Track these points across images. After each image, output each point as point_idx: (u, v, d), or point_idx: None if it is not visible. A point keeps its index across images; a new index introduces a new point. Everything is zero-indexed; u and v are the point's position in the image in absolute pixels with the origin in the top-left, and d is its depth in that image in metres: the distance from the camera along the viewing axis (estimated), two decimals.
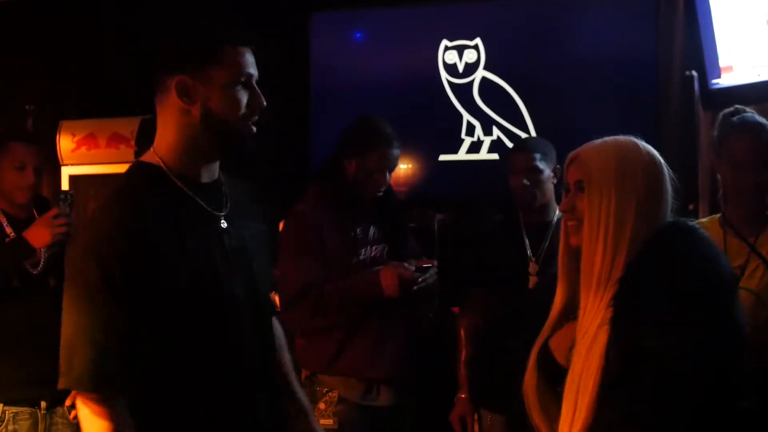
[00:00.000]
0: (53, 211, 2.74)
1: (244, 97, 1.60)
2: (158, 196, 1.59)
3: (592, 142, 1.68)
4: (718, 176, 2.16)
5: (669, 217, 1.62)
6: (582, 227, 1.62)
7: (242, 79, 1.59)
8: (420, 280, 2.66)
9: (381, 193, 2.78)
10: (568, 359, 1.59)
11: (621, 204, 1.57)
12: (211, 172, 1.68)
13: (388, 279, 2.62)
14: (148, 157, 1.65)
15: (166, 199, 1.59)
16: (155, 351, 1.53)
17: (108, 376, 1.50)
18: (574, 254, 1.66)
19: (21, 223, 2.80)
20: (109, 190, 1.66)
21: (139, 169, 1.66)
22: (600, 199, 1.59)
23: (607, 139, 1.67)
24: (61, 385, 1.54)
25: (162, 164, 1.62)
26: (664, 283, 1.51)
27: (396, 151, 2.75)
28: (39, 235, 2.70)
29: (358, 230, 2.77)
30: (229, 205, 1.69)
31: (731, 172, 2.04)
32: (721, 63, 3.00)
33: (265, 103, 1.63)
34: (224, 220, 1.66)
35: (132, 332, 1.50)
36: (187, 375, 1.57)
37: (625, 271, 1.55)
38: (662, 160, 1.64)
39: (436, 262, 2.76)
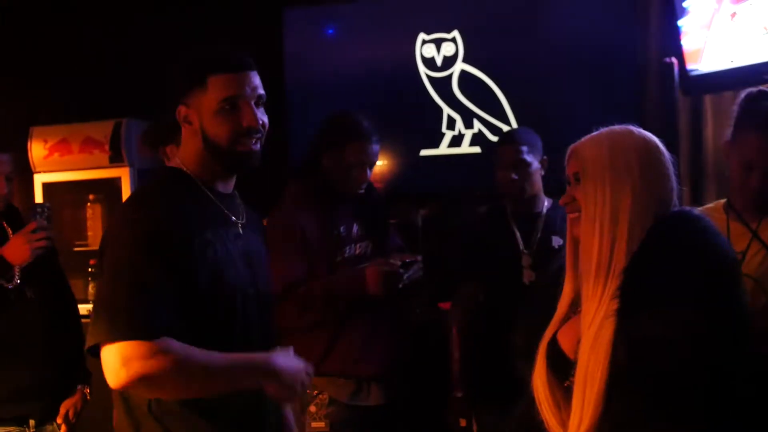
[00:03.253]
0: (31, 226, 2.65)
1: (232, 120, 1.71)
2: (189, 195, 1.74)
3: (590, 134, 1.68)
4: (726, 160, 2.11)
5: (674, 203, 1.61)
6: (581, 218, 1.61)
7: (227, 104, 1.70)
8: (405, 276, 2.63)
9: (362, 190, 2.74)
10: (577, 352, 1.57)
11: (615, 191, 1.57)
12: (227, 185, 1.84)
13: (373, 276, 2.58)
14: (176, 164, 1.81)
15: (196, 199, 1.74)
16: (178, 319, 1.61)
17: (153, 320, 1.56)
18: (578, 246, 1.65)
19: None
20: (138, 190, 1.86)
21: (170, 172, 1.81)
22: (594, 187, 1.59)
23: (602, 129, 1.67)
24: (95, 340, 1.58)
25: (188, 170, 1.77)
26: (667, 273, 1.50)
27: (375, 146, 2.72)
28: (18, 252, 2.62)
29: (342, 228, 2.73)
30: (244, 216, 1.85)
31: (739, 167, 2.01)
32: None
33: (260, 121, 1.73)
34: (241, 227, 1.82)
35: (168, 296, 1.59)
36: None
37: (628, 261, 1.54)
38: (661, 145, 1.63)
39: (420, 257, 2.72)
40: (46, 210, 2.71)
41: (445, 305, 3.18)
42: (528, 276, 2.75)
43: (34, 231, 2.63)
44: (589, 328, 1.54)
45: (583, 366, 1.53)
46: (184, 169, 1.78)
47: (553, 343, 1.67)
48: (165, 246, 1.61)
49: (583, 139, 1.68)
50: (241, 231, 1.82)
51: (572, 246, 1.69)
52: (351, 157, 2.67)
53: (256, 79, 1.75)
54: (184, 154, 1.81)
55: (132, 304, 1.56)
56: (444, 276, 3.02)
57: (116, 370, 1.54)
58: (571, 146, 1.69)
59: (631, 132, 1.64)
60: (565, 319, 1.69)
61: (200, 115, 1.72)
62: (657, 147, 1.63)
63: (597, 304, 1.54)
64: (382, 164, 3.80)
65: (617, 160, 1.59)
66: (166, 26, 4.13)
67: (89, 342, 1.60)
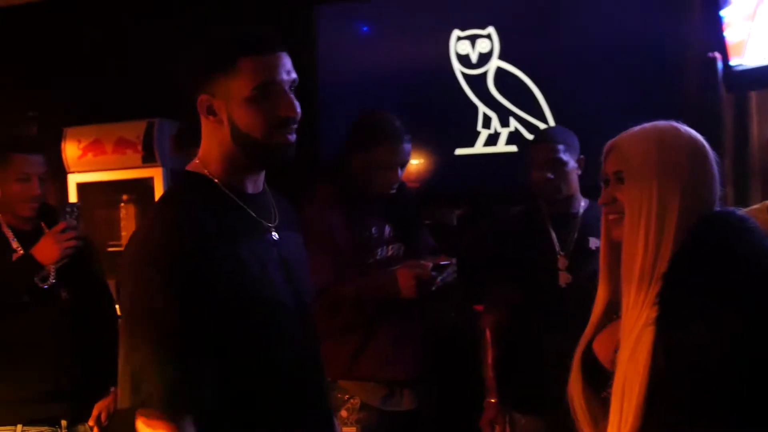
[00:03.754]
0: (61, 225, 2.67)
1: (268, 108, 1.51)
2: (211, 205, 1.55)
3: (630, 129, 1.59)
4: None
5: (717, 205, 1.53)
6: (623, 220, 1.53)
7: (263, 89, 1.51)
8: (438, 278, 2.57)
9: (393, 190, 2.68)
10: (614, 362, 1.50)
11: (664, 193, 1.48)
12: (257, 183, 1.64)
13: (405, 279, 2.53)
14: (195, 167, 1.61)
15: (218, 208, 1.55)
16: (212, 362, 1.46)
17: (178, 394, 1.42)
18: (616, 249, 1.57)
19: (28, 236, 2.74)
20: (158, 200, 1.64)
21: (188, 178, 1.62)
22: (641, 189, 1.50)
23: (646, 125, 1.58)
24: (125, 404, 1.46)
25: (209, 174, 1.58)
26: (709, 277, 1.42)
27: (405, 146, 2.66)
28: (47, 251, 2.64)
29: (373, 229, 2.69)
30: (277, 216, 1.66)
31: None
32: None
33: (297, 110, 1.54)
34: (275, 231, 1.63)
35: (197, 345, 1.44)
36: (240, 384, 1.51)
37: (669, 265, 1.46)
38: (707, 144, 1.55)
39: (454, 260, 2.66)
40: (75, 209, 2.73)
41: (480, 307, 3.11)
42: (564, 278, 2.67)
43: (63, 231, 2.65)
44: (628, 337, 1.47)
45: (621, 377, 1.46)
46: (205, 172, 1.58)
47: (589, 352, 1.60)
48: (188, 280, 1.43)
49: (624, 135, 1.58)
50: (275, 236, 1.63)
51: (608, 248, 1.62)
52: (381, 158, 2.62)
53: (289, 62, 1.56)
54: (205, 153, 1.60)
55: (155, 369, 1.41)
56: (477, 278, 2.94)
57: None
58: (610, 142, 1.60)
59: (678, 129, 1.55)
60: (600, 325, 1.62)
61: (228, 104, 1.52)
62: (704, 146, 1.55)
63: (639, 311, 1.47)
64: (416, 164, 3.75)
65: (666, 158, 1.50)
66: (200, 25, 4.10)
67: (120, 405, 1.49)
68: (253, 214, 1.60)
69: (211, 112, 1.54)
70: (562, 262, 2.69)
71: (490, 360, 2.82)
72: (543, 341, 2.55)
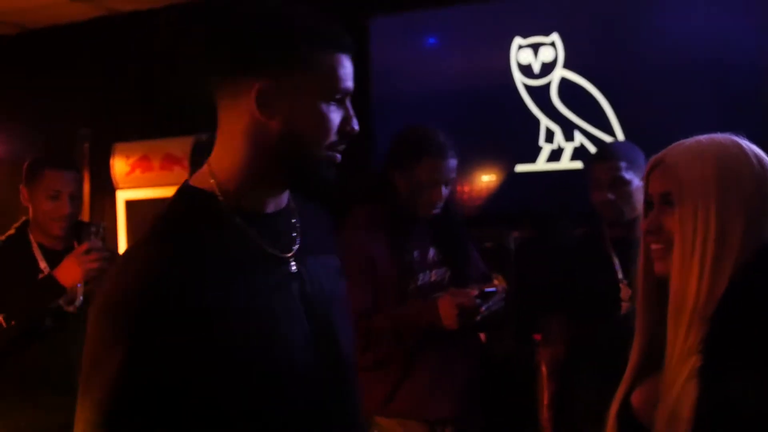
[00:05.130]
0: (84, 246, 2.56)
1: (337, 118, 1.26)
2: (208, 233, 1.25)
3: (680, 142, 1.34)
4: None
5: None
6: (671, 252, 1.29)
7: (338, 96, 1.26)
8: (483, 307, 2.34)
9: (438, 210, 2.48)
10: (653, 420, 1.27)
11: (723, 221, 1.24)
12: (280, 200, 1.35)
13: (446, 308, 2.33)
14: (200, 179, 1.29)
15: (218, 237, 1.25)
16: None
17: None
18: (658, 285, 1.34)
19: (59, 256, 2.63)
20: (148, 223, 1.29)
21: (185, 196, 1.30)
22: (695, 215, 1.26)
23: (700, 138, 1.33)
24: None
25: (217, 190, 1.26)
26: (759, 318, 1.17)
27: (450, 161, 2.48)
28: (69, 273, 2.54)
29: (415, 253, 2.50)
30: (299, 240, 1.35)
31: None
32: None
33: (357, 129, 1.29)
34: (294, 261, 1.32)
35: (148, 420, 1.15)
36: None
37: (717, 305, 1.22)
38: None
39: (501, 287, 2.45)
40: (101, 230, 2.63)
41: (539, 336, 2.88)
42: (627, 309, 2.41)
43: (87, 251, 2.54)
44: (669, 391, 1.24)
45: None
46: (213, 185, 1.26)
47: (627, 406, 1.37)
48: (148, 342, 1.14)
49: (672, 148, 1.34)
50: (294, 267, 1.31)
51: (647, 284, 1.39)
52: (423, 176, 2.44)
53: None
54: (224, 158, 1.28)
55: None
56: (533, 308, 2.71)
57: None
58: (655, 157, 1.36)
59: (740, 146, 1.30)
60: (638, 375, 1.39)
61: (294, 101, 1.23)
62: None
63: (684, 360, 1.23)
64: (473, 182, 3.55)
65: (727, 180, 1.26)
66: None
67: None
68: (266, 243, 1.28)
69: (265, 104, 1.23)
70: (624, 292, 2.45)
71: (546, 399, 2.59)
72: (602, 378, 2.30)
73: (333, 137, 1.26)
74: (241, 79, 1.23)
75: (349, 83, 1.27)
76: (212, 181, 1.27)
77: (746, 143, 1.31)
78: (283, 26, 1.24)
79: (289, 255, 1.31)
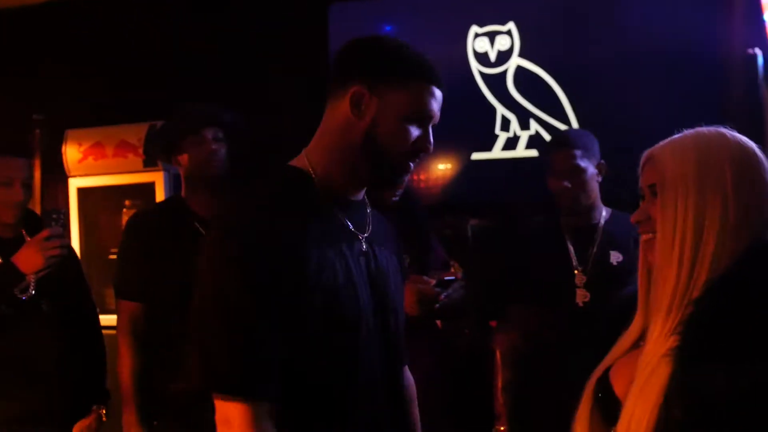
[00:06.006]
0: (44, 233, 2.50)
1: (414, 134, 1.49)
2: (304, 205, 1.50)
3: (672, 137, 1.39)
4: None
5: None
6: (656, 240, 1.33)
7: (421, 117, 1.49)
8: (443, 295, 2.36)
9: (396, 197, 2.48)
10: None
11: (701, 209, 1.28)
12: (358, 193, 1.60)
13: (406, 295, 2.31)
14: (298, 161, 1.56)
15: (311, 210, 1.50)
16: (287, 364, 1.42)
17: (254, 379, 1.38)
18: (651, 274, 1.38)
19: (8, 244, 2.57)
20: (247, 191, 1.56)
21: (286, 173, 1.55)
22: (675, 203, 1.30)
23: (687, 131, 1.37)
24: (200, 383, 1.42)
25: (311, 171, 1.53)
26: (747, 313, 1.21)
27: None
28: (30, 260, 2.48)
29: None
30: (370, 227, 1.61)
31: None
32: None
33: (431, 149, 1.52)
34: (365, 241, 1.57)
35: (274, 342, 1.40)
36: (313, 389, 1.46)
37: (701, 291, 1.26)
38: (759, 152, 1.33)
39: (461, 275, 2.45)
40: (61, 216, 2.57)
41: (494, 323, 2.91)
42: (582, 296, 2.46)
43: (47, 238, 2.49)
44: (644, 368, 1.28)
45: (629, 413, 1.27)
46: (309, 169, 1.52)
47: (604, 380, 1.41)
48: (270, 275, 1.38)
49: (662, 143, 1.38)
50: (364, 246, 1.56)
51: (645, 274, 1.41)
52: None
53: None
54: (318, 146, 1.54)
55: (230, 354, 1.38)
56: (490, 295, 2.73)
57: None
58: (647, 151, 1.40)
59: (724, 135, 1.34)
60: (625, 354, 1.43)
61: (382, 110, 1.46)
62: (755, 155, 1.33)
63: (662, 341, 1.27)
64: (430, 170, 3.58)
65: (707, 170, 1.30)
66: (206, 26, 3.99)
67: (196, 384, 1.44)
68: (347, 220, 1.54)
69: (358, 105, 1.48)
70: (579, 279, 2.48)
71: (500, 384, 2.63)
72: (557, 365, 2.35)
73: (407, 149, 1.48)
74: (346, 79, 1.48)
75: (433, 109, 1.49)
76: (307, 163, 1.53)
77: (732, 134, 1.34)
78: (395, 53, 1.50)
79: (363, 235, 1.56)
